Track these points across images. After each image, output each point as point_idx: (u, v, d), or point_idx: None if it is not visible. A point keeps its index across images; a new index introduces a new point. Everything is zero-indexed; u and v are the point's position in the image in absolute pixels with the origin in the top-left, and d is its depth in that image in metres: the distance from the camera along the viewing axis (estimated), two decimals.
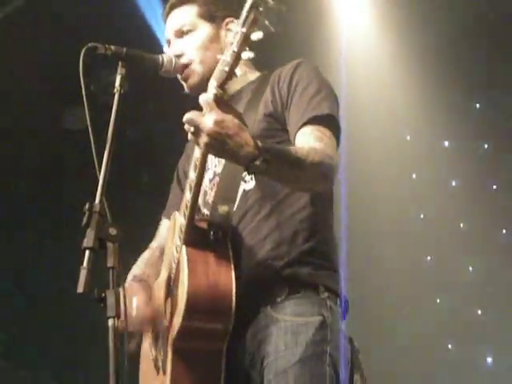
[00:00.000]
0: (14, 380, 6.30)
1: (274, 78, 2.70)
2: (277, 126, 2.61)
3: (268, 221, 2.56)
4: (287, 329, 2.44)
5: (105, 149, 2.28)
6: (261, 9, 2.15)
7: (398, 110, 6.36)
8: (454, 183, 6.92)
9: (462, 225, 6.91)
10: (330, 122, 2.54)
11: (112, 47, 2.47)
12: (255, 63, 2.86)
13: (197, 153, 2.38)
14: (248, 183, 2.59)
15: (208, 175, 2.66)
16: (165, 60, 2.64)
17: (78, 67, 2.39)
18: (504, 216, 6.71)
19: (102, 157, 2.27)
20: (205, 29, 2.78)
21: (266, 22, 2.25)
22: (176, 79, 2.76)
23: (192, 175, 2.42)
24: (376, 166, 6.42)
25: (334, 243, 2.66)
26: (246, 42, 2.16)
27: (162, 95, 5.28)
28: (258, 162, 2.23)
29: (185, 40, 2.78)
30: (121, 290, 2.03)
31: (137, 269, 2.86)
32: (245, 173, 2.46)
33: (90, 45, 2.45)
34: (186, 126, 2.21)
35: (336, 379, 2.43)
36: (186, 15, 2.81)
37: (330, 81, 2.71)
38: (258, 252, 2.52)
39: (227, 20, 2.78)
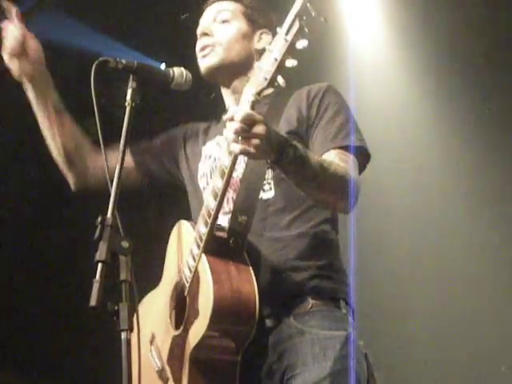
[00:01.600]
0: None
1: (300, 96, 2.71)
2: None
3: (287, 232, 2.57)
4: (314, 341, 2.45)
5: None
6: (304, 18, 2.15)
7: (410, 127, 6.33)
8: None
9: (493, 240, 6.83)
10: (356, 151, 2.57)
11: (123, 61, 2.48)
12: None
13: (225, 161, 2.37)
14: (267, 192, 2.60)
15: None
16: (176, 73, 2.64)
17: (89, 80, 2.40)
18: None
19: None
20: (243, 24, 2.82)
21: (307, 31, 2.26)
22: (187, 92, 2.77)
23: (218, 183, 2.40)
24: (387, 182, 6.39)
25: (342, 261, 2.69)
26: (290, 50, 2.17)
27: (174, 107, 5.30)
28: (287, 154, 2.27)
29: (219, 25, 2.81)
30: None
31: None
32: (264, 181, 2.50)
33: (101, 59, 2.46)
34: (233, 134, 2.19)
35: None
36: (231, 6, 2.85)
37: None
38: (276, 262, 2.53)
39: (263, 30, 2.82)
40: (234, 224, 2.51)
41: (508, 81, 5.88)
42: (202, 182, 2.80)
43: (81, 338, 5.89)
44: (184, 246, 2.56)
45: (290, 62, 2.18)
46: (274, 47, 2.18)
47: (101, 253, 2.06)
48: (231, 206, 2.57)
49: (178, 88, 2.69)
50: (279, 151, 2.27)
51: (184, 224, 2.62)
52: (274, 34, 2.41)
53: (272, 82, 2.20)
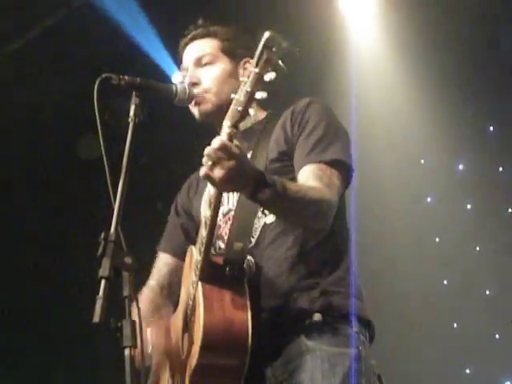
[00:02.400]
0: None
1: (285, 115, 2.73)
2: (291, 163, 2.64)
3: (292, 252, 2.57)
4: (323, 358, 2.45)
5: (119, 177, 2.29)
6: (274, 49, 2.17)
7: (412, 133, 6.35)
8: (468, 207, 6.89)
9: (478, 248, 6.87)
10: (334, 165, 2.56)
11: (126, 77, 2.49)
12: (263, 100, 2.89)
13: (212, 189, 2.39)
14: (269, 216, 2.61)
15: (222, 210, 2.67)
16: (179, 89, 2.65)
17: (92, 97, 2.41)
18: None
19: (117, 185, 2.28)
20: (224, 63, 2.82)
21: (280, 63, 2.29)
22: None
23: (207, 212, 2.43)
24: (389, 190, 6.41)
25: (354, 273, 2.67)
26: (259, 82, 2.19)
27: (176, 123, 5.31)
28: (262, 193, 2.28)
29: (204, 70, 2.80)
30: (137, 320, 2.04)
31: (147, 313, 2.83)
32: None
33: (104, 75, 2.47)
34: (205, 159, 2.22)
35: None
36: (208, 47, 2.84)
37: (338, 119, 2.74)
38: (284, 283, 2.53)
39: (245, 59, 2.80)
40: (230, 252, 2.53)
41: None
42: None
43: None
44: (192, 274, 2.57)
45: (259, 94, 2.20)
46: (247, 79, 2.21)
47: (104, 269, 2.06)
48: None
49: (180, 104, 2.70)
50: (255, 189, 2.29)
51: (193, 250, 2.63)
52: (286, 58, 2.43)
53: (244, 114, 2.22)
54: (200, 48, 2.85)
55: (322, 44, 5.65)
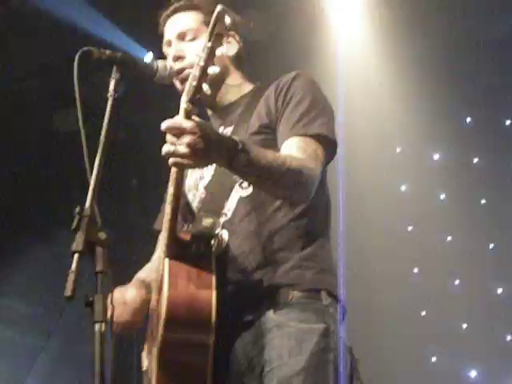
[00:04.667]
0: None
1: (269, 90, 2.71)
2: (273, 137, 2.62)
3: (266, 227, 2.56)
4: (291, 335, 2.44)
5: (96, 152, 2.28)
6: (226, 23, 2.18)
7: (388, 122, 6.38)
8: (442, 197, 6.94)
9: (449, 237, 6.94)
10: (318, 139, 2.55)
11: (106, 51, 2.47)
12: (251, 73, 2.87)
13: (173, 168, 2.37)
14: (245, 190, 2.59)
15: (203, 182, 2.67)
16: (159, 66, 2.63)
17: (72, 70, 2.39)
18: (490, 229, 6.74)
19: (93, 160, 2.27)
20: None
21: (236, 37, 2.25)
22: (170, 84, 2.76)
23: (170, 189, 2.41)
24: (364, 177, 6.44)
25: (331, 250, 2.67)
26: (211, 56, 2.18)
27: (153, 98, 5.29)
28: (237, 159, 2.26)
29: (187, 44, 2.78)
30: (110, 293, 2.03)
31: (141, 272, 2.86)
32: (241, 180, 2.50)
33: (84, 48, 2.45)
34: (168, 137, 2.20)
35: None
36: (191, 20, 2.81)
37: (325, 94, 2.71)
38: (257, 257, 2.53)
39: (229, 33, 2.77)
40: (198, 227, 2.52)
41: None
42: (190, 195, 2.80)
43: None
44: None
45: (212, 69, 2.19)
46: (201, 53, 2.20)
47: (77, 243, 2.05)
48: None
49: (160, 81, 2.67)
50: (229, 157, 2.27)
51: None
52: (240, 31, 2.40)
53: (198, 89, 2.21)
54: (184, 22, 2.82)
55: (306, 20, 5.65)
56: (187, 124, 2.18)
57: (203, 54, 2.19)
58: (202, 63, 2.18)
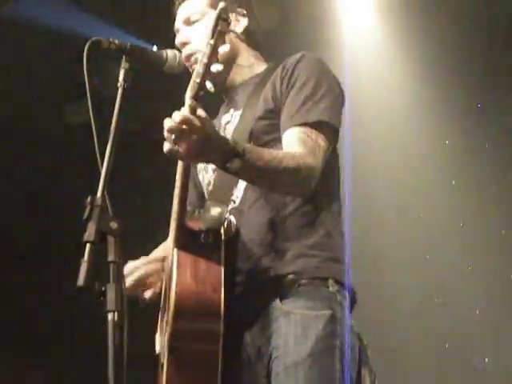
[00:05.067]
0: None
1: (276, 72, 2.69)
2: (278, 122, 2.62)
3: (273, 215, 2.56)
4: (297, 322, 2.45)
5: (106, 142, 2.29)
6: (229, 21, 2.19)
7: (398, 108, 6.36)
8: (453, 182, 6.91)
9: (461, 224, 6.90)
10: (320, 126, 2.54)
11: (116, 41, 2.48)
12: (265, 54, 2.87)
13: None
14: None
15: (211, 166, 2.68)
16: (169, 55, 2.64)
17: (81, 61, 2.39)
18: (503, 216, 6.71)
19: (104, 150, 2.28)
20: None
21: (233, 35, 2.27)
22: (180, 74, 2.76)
23: (178, 179, 2.44)
24: (377, 161, 6.43)
25: (339, 237, 2.65)
26: (214, 54, 2.18)
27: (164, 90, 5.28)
28: (231, 161, 2.27)
29: (193, 28, 2.79)
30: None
31: (157, 251, 2.87)
32: None
33: (93, 38, 2.46)
34: (167, 134, 2.21)
35: (344, 373, 2.44)
36: (197, 4, 2.81)
37: (332, 74, 2.69)
38: (264, 245, 2.53)
39: (236, 11, 2.77)
40: (206, 216, 2.53)
41: None
42: (200, 176, 2.82)
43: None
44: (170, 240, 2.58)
45: (215, 67, 2.20)
46: (206, 50, 2.21)
47: (89, 233, 2.06)
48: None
49: (170, 71, 2.68)
50: (223, 161, 2.29)
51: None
52: (250, 9, 2.45)
53: (202, 86, 2.22)
54: (188, 7, 2.83)
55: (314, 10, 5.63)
56: (196, 123, 2.19)
57: (206, 51, 2.19)
58: (205, 60, 2.18)
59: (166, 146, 2.22)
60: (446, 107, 6.36)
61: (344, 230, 2.69)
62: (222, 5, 2.19)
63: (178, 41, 2.77)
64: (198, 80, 2.21)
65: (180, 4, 2.86)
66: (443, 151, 6.83)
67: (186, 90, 2.76)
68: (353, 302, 2.62)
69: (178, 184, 2.44)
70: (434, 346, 6.69)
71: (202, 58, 2.21)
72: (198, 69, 2.22)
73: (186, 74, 2.73)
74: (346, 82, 2.71)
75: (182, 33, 2.79)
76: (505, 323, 6.48)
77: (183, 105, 2.24)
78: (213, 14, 2.73)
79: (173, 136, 2.19)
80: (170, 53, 2.65)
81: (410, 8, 5.71)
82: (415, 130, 6.67)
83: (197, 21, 2.78)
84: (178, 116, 2.18)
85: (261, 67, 2.82)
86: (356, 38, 5.78)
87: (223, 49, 2.19)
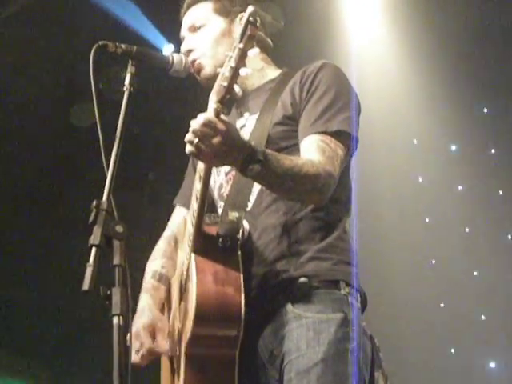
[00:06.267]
0: None
1: (295, 78, 2.69)
2: (296, 128, 2.62)
3: (284, 218, 2.56)
4: (309, 326, 2.43)
5: (112, 146, 2.29)
6: (258, 25, 2.17)
7: (406, 114, 6.36)
8: (459, 188, 6.91)
9: (467, 229, 6.90)
10: (339, 136, 2.54)
11: (122, 45, 2.48)
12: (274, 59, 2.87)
13: (201, 163, 2.39)
14: None
15: (224, 169, 2.68)
16: (175, 59, 2.64)
17: (87, 64, 2.39)
18: (509, 220, 6.70)
19: (110, 154, 2.28)
20: (217, 23, 2.79)
21: (264, 36, 2.25)
22: (185, 78, 2.77)
23: (198, 186, 2.43)
24: (381, 169, 6.43)
25: (350, 240, 2.65)
26: (243, 58, 2.18)
27: (169, 93, 5.29)
28: (252, 166, 2.28)
29: (197, 35, 2.79)
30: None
31: (154, 264, 2.86)
32: None
33: (100, 43, 2.46)
34: (191, 136, 2.21)
35: (358, 377, 2.42)
36: (201, 11, 2.82)
37: (350, 85, 2.69)
38: (276, 249, 2.53)
39: (241, 15, 2.76)
40: (224, 221, 2.51)
41: None
42: (211, 179, 2.80)
43: None
44: (185, 244, 2.57)
45: (244, 71, 2.19)
46: (232, 54, 2.19)
47: (95, 237, 2.05)
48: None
49: (176, 74, 2.68)
50: (243, 165, 2.29)
51: (189, 221, 2.62)
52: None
53: (230, 90, 2.21)
54: (193, 15, 2.84)
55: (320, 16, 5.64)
56: (221, 126, 2.20)
57: (234, 54, 2.18)
58: (233, 64, 2.18)
59: (189, 148, 2.23)
60: (452, 110, 6.36)
61: (353, 234, 2.68)
62: (251, 9, 2.18)
63: (183, 48, 2.78)
64: (224, 84, 2.21)
65: (185, 12, 2.87)
66: (448, 156, 6.82)
67: (189, 93, 2.77)
68: (364, 304, 2.62)
69: (197, 190, 2.43)
70: (438, 348, 6.68)
71: (228, 61, 2.20)
72: (223, 72, 2.22)
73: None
74: (352, 83, 2.70)
75: (187, 40, 2.80)
76: (509, 326, 6.47)
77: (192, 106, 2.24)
78: (220, 20, 2.74)
79: (196, 138, 2.20)
80: (176, 57, 2.65)
81: (414, 8, 5.71)
82: (421, 132, 6.66)
83: (201, 26, 2.79)
84: (202, 118, 2.20)
85: (272, 71, 2.83)
86: (361, 37, 5.78)
87: (252, 53, 2.19)
